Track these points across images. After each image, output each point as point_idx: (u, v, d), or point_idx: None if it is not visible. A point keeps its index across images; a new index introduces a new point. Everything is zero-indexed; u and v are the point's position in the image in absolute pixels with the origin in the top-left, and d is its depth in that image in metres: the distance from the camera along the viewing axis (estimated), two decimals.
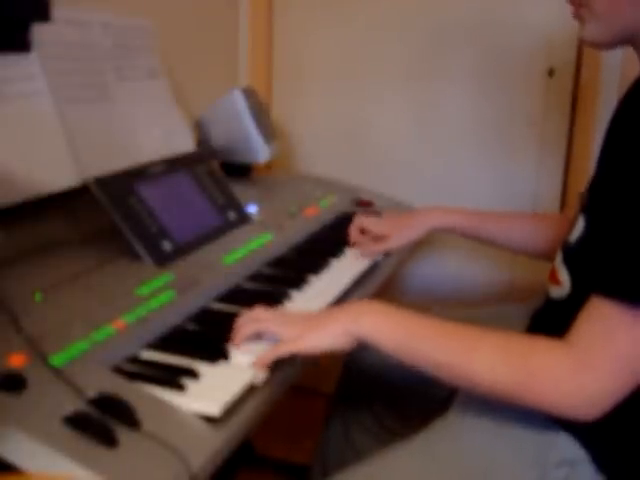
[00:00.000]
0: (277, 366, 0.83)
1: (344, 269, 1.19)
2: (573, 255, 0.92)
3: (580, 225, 0.91)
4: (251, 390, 0.78)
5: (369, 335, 0.84)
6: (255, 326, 0.87)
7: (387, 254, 1.29)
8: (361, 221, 1.32)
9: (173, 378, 0.76)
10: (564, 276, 0.92)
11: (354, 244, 1.29)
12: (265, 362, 0.82)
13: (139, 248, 1.01)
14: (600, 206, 0.86)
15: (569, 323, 0.79)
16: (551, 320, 0.96)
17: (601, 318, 0.75)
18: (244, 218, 1.27)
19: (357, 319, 0.85)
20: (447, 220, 1.30)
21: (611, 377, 0.74)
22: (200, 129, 1.54)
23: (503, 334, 0.81)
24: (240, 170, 1.59)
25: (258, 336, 0.87)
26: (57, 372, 0.71)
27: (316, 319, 0.89)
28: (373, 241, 1.29)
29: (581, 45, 1.66)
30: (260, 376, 0.80)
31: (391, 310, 0.86)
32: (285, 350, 0.83)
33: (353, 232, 1.31)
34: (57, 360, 0.73)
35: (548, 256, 1.09)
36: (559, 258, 0.95)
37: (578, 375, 0.75)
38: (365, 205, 1.59)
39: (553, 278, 0.96)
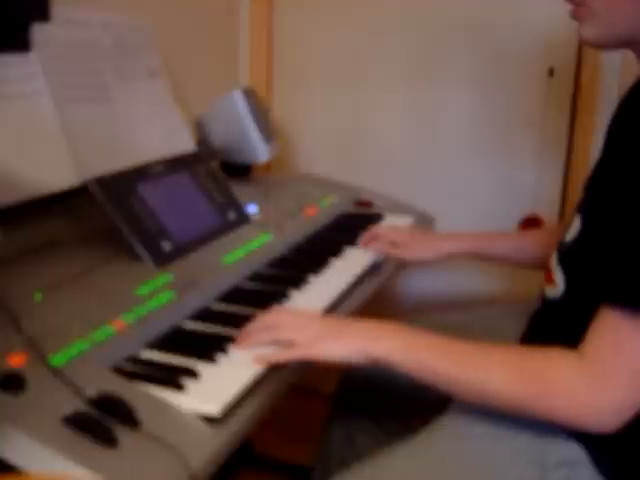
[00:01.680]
0: (277, 366, 0.83)
1: (344, 269, 1.19)
2: (568, 255, 0.92)
3: (576, 225, 0.91)
4: (251, 390, 0.78)
5: (384, 357, 0.83)
6: (270, 336, 0.86)
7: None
8: (377, 228, 1.31)
9: (173, 378, 0.76)
10: (559, 276, 0.92)
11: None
12: (274, 362, 0.82)
13: (139, 248, 1.01)
14: (598, 207, 0.86)
15: (564, 324, 0.79)
16: (547, 320, 0.95)
17: (609, 327, 0.75)
18: (244, 218, 1.27)
19: (373, 340, 0.84)
20: (459, 247, 1.28)
21: (627, 390, 0.74)
22: (200, 129, 1.54)
23: (516, 348, 0.82)
24: (240, 170, 1.59)
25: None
26: (57, 372, 0.71)
27: (335, 327, 0.88)
28: (389, 244, 1.29)
29: (581, 45, 1.66)
30: (260, 370, 0.80)
31: (405, 331, 0.86)
32: (298, 355, 0.83)
33: (366, 237, 1.30)
34: (57, 360, 0.73)
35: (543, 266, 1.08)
36: (554, 258, 0.95)
37: (593, 387, 0.75)
38: (365, 205, 1.58)
39: (548, 278, 0.95)
